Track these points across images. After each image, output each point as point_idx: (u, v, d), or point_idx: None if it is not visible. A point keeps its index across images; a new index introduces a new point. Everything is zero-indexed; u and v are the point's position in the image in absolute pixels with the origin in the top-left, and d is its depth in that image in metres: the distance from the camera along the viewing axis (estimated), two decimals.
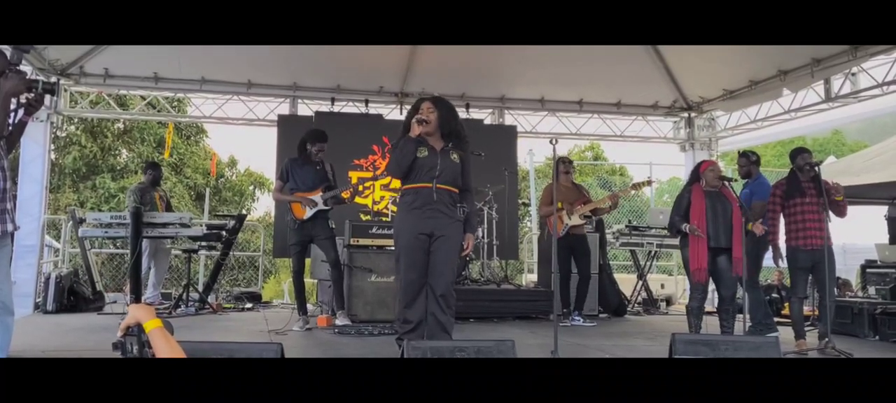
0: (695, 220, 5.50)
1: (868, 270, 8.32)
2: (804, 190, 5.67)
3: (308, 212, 6.23)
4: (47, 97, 3.63)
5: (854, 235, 10.16)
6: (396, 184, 9.22)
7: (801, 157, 5.75)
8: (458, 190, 4.53)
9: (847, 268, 10.49)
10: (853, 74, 7.75)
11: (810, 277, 5.78)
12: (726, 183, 5.67)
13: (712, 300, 7.10)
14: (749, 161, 6.72)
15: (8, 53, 3.32)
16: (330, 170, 6.47)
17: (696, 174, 5.77)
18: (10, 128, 3.34)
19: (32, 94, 3.32)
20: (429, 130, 4.44)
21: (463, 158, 4.53)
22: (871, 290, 7.88)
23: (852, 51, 7.20)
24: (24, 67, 7.95)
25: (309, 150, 6.36)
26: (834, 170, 8.36)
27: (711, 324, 5.88)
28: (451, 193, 4.48)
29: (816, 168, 5.62)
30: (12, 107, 3.29)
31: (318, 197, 6.25)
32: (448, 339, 4.35)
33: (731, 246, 5.49)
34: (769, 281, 9.98)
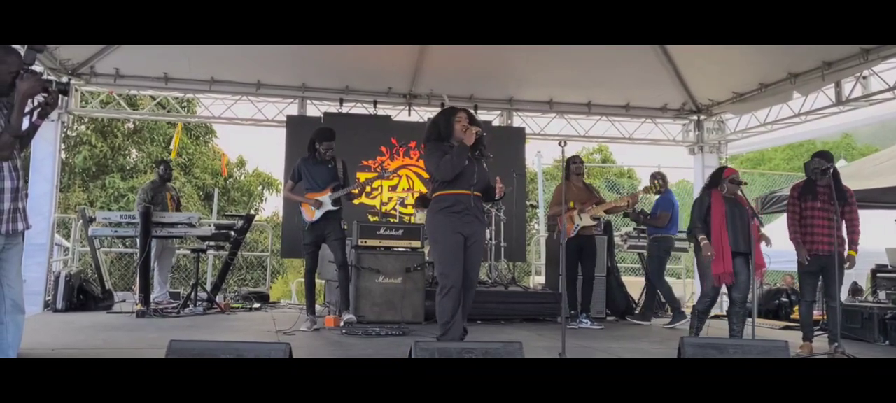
0: (716, 225, 5.52)
1: (878, 274, 8.25)
2: (817, 193, 5.67)
3: (317, 214, 6.25)
4: (61, 98, 3.65)
5: (864, 239, 10.05)
6: (404, 185, 9.33)
7: (812, 162, 5.74)
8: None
9: (857, 273, 10.40)
10: (864, 77, 7.70)
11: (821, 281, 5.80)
12: (739, 187, 5.73)
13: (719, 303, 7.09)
14: (653, 178, 8.01)
15: (22, 53, 3.33)
16: (341, 167, 6.46)
17: (716, 179, 5.76)
18: (25, 129, 3.36)
19: (47, 94, 3.33)
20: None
21: (487, 166, 4.86)
22: (882, 295, 7.82)
23: (863, 54, 7.15)
24: (36, 68, 8.00)
25: (317, 149, 6.37)
26: (844, 174, 8.27)
27: (715, 327, 5.89)
28: (481, 199, 4.82)
29: (825, 173, 5.63)
30: (28, 108, 3.31)
31: (326, 197, 6.26)
32: (462, 329, 4.64)
33: (748, 250, 5.54)
34: (778, 284, 9.94)
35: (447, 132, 4.71)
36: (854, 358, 5.11)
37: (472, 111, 5.09)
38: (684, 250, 9.10)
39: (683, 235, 9.07)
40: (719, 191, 5.66)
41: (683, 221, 8.43)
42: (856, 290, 9.47)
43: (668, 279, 10.85)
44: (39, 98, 3.37)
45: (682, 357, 3.44)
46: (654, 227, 7.98)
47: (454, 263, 4.60)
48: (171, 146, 15.76)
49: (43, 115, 3.43)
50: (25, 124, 3.33)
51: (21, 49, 3.36)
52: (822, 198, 5.64)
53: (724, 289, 5.75)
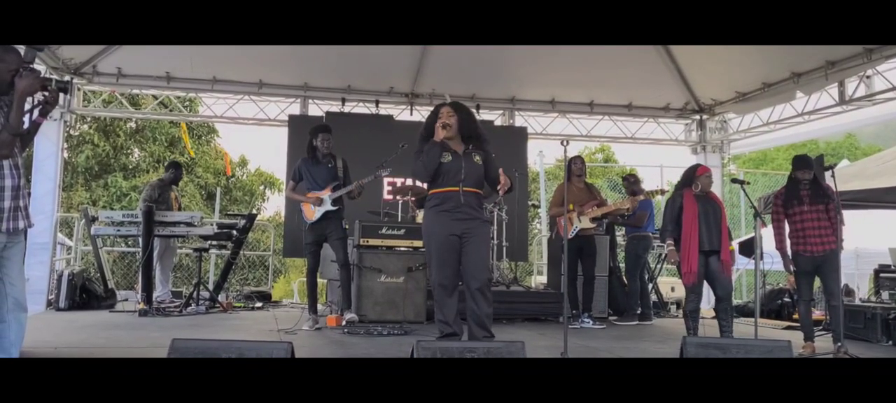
0: (687, 225, 5.53)
1: (881, 275, 8.25)
2: (802, 197, 5.70)
3: (316, 214, 6.24)
4: (61, 96, 3.65)
5: (867, 239, 10.08)
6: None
7: (798, 173, 5.74)
8: (483, 191, 4.71)
9: (860, 273, 10.40)
10: (868, 77, 7.69)
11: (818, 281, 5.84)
12: (740, 185, 5.73)
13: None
14: (629, 182, 8.32)
15: (22, 52, 3.33)
16: (341, 166, 6.44)
17: (689, 178, 5.77)
18: (26, 127, 3.36)
19: (47, 93, 3.33)
20: (450, 135, 4.63)
21: (485, 158, 4.71)
22: (885, 295, 7.81)
23: (867, 53, 7.14)
24: (38, 66, 8.04)
25: (316, 146, 6.36)
26: (847, 174, 8.29)
27: (709, 325, 5.91)
28: (477, 194, 4.66)
29: (812, 175, 5.68)
30: (27, 106, 3.31)
31: (326, 196, 6.25)
32: (487, 333, 4.48)
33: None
34: (781, 285, 9.92)
35: (429, 131, 4.68)
36: (857, 359, 5.10)
37: (462, 103, 4.99)
38: (650, 248, 9.08)
39: (654, 232, 9.12)
40: (692, 190, 5.68)
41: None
42: (848, 293, 9.44)
43: (670, 279, 10.90)
44: (39, 96, 3.37)
45: (684, 357, 3.43)
46: (633, 227, 8.06)
47: (441, 264, 4.55)
48: (185, 147, 15.79)
49: (43, 113, 3.43)
50: (26, 123, 3.33)
51: (21, 48, 3.35)
52: (807, 200, 5.67)
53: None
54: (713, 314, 5.82)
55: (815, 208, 5.64)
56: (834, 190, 5.57)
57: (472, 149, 4.67)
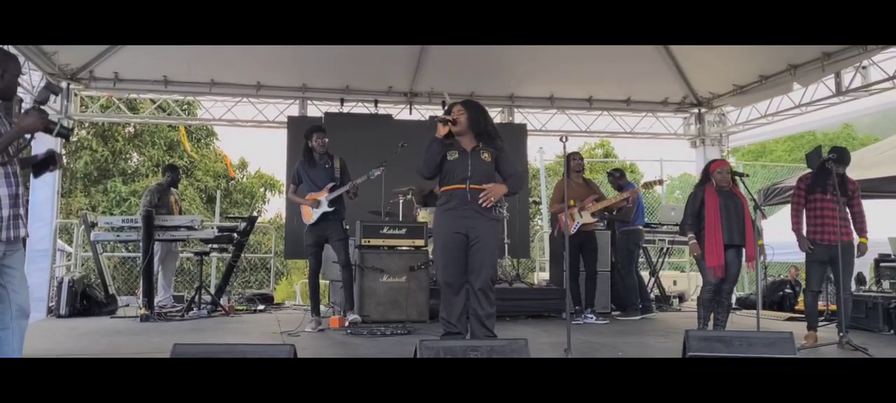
0: (710, 219, 5.52)
1: (882, 264, 8.25)
2: (826, 186, 5.69)
3: (314, 216, 6.23)
4: (58, 100, 3.66)
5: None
6: None
7: (830, 165, 5.63)
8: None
9: (861, 262, 10.39)
10: (864, 68, 7.70)
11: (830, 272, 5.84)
12: (738, 179, 5.71)
13: None
14: (615, 178, 8.22)
15: (37, 92, 3.35)
16: (338, 166, 6.41)
17: (707, 174, 5.77)
18: (23, 147, 3.37)
19: (49, 135, 3.34)
20: (459, 130, 4.60)
21: (495, 155, 4.65)
22: (885, 284, 7.81)
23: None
24: (35, 72, 8.00)
25: (312, 147, 6.34)
26: None
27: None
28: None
29: (845, 170, 5.69)
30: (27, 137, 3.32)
31: (323, 198, 6.23)
32: (489, 333, 4.47)
33: (742, 242, 5.55)
34: (783, 276, 9.93)
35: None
36: (864, 358, 5.08)
37: (475, 101, 4.95)
38: (652, 242, 9.08)
39: (655, 226, 9.13)
40: (712, 185, 5.68)
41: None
42: (860, 280, 9.46)
43: (671, 273, 10.91)
44: (48, 144, 3.39)
45: (687, 350, 3.43)
46: (622, 221, 7.99)
47: (446, 262, 4.55)
48: (183, 148, 15.76)
49: (41, 172, 3.46)
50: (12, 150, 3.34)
51: (17, 53, 3.36)
52: (830, 190, 5.67)
53: None
54: None
55: (835, 198, 5.63)
56: (856, 185, 5.59)
57: (481, 146, 4.63)
